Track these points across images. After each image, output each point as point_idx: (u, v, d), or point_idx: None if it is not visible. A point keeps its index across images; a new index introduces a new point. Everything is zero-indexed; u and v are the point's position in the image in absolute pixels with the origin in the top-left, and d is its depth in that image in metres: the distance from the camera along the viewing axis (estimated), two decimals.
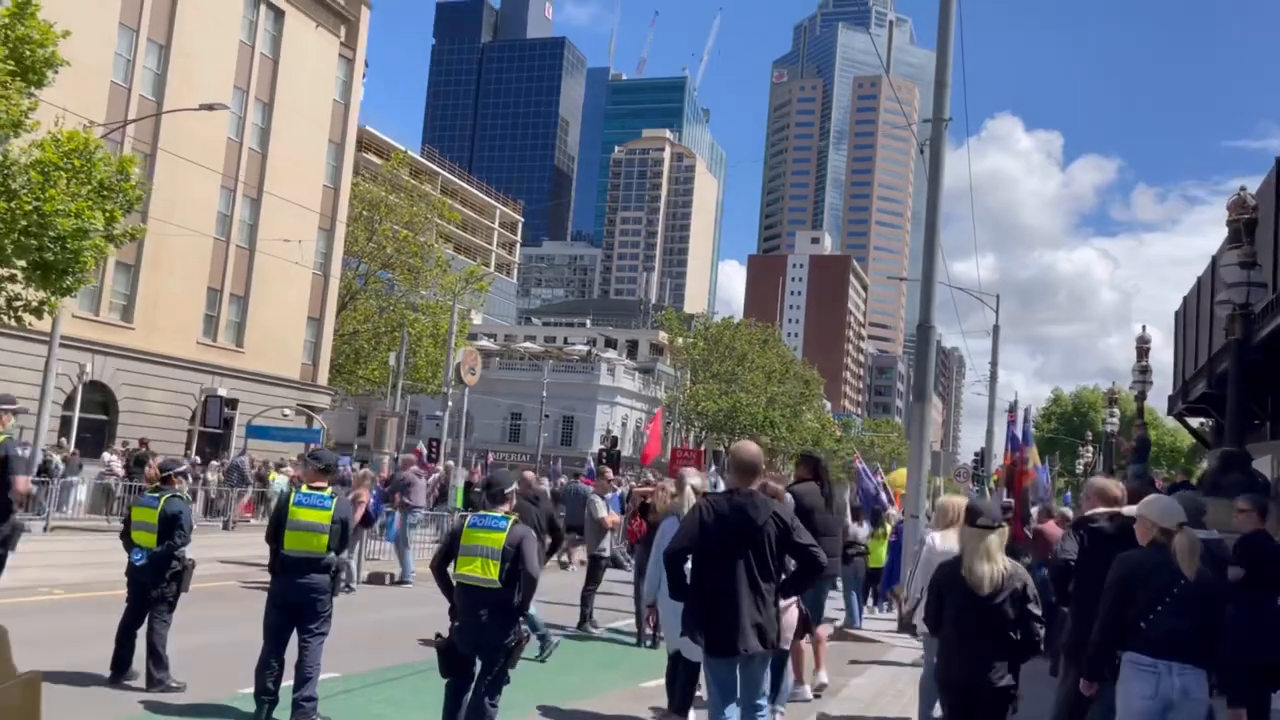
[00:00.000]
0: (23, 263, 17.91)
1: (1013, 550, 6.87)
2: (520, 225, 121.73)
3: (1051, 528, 11.34)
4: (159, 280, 31.69)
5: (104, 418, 30.56)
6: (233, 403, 32.62)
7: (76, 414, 27.98)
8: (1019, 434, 11.95)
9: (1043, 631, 4.95)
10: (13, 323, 19.85)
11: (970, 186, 56.42)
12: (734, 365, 67.62)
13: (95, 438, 29.29)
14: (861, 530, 13.54)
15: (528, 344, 73.59)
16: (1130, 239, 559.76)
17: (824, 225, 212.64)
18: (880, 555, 14.06)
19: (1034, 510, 11.76)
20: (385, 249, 42.93)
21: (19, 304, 19.28)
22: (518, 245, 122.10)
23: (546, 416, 59.09)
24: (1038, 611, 4.91)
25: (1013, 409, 13.11)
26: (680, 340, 70.23)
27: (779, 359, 73.44)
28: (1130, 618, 4.78)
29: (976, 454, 40.71)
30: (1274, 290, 16.16)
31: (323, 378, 39.39)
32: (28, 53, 18.17)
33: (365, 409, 54.33)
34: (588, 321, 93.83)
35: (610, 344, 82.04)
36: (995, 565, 4.91)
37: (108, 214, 18.77)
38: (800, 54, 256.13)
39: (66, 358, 27.75)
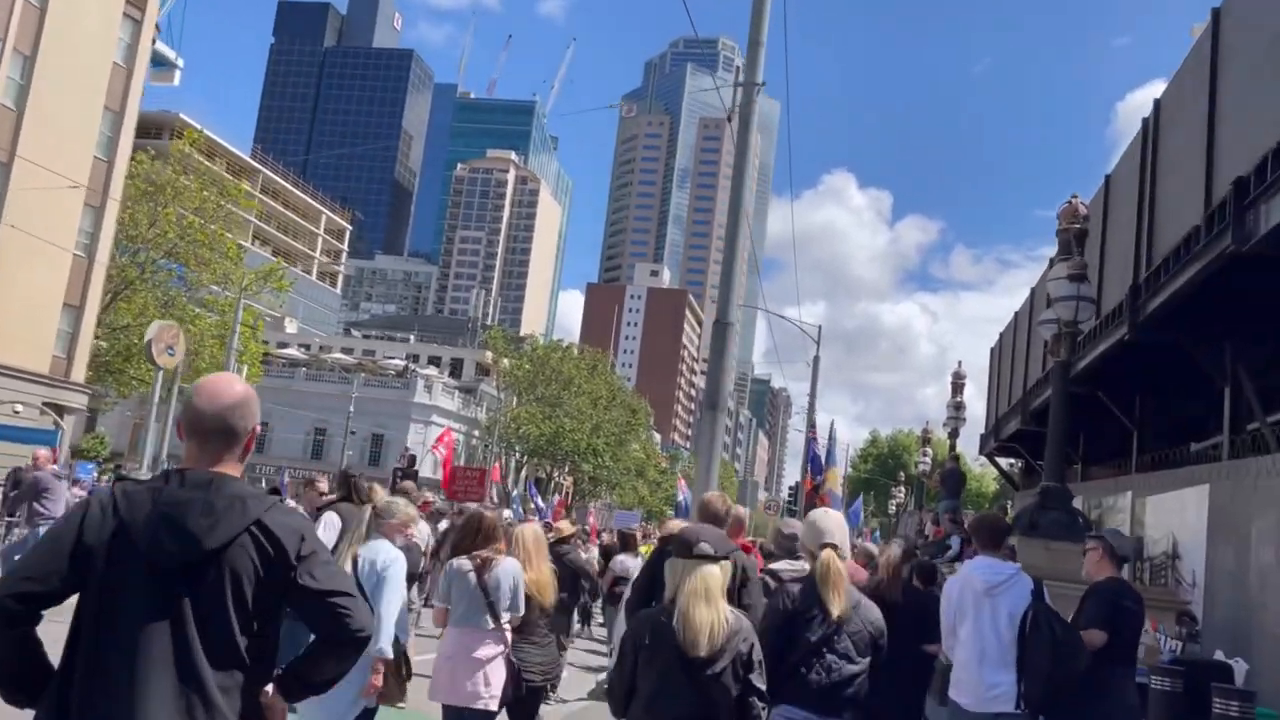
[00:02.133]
0: None
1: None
2: (348, 234, 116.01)
3: (852, 566, 9.40)
4: None
5: None
6: None
7: None
8: (821, 453, 10.04)
9: (763, 715, 3.60)
10: None
11: (793, 233, 56.37)
12: (559, 390, 65.28)
13: None
14: (634, 563, 11.30)
15: (339, 355, 68.99)
16: (949, 295, 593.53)
17: (664, 260, 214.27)
18: None
19: None
20: (168, 234, 38.38)
21: None
22: (344, 254, 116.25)
23: (353, 433, 55.04)
24: (762, 685, 3.57)
25: (813, 426, 11.06)
26: (506, 361, 67.41)
27: (607, 386, 71.60)
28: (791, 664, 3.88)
29: (791, 488, 39.64)
30: (1098, 316, 15.13)
31: (79, 374, 34.53)
32: None
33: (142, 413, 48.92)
34: (412, 337, 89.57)
35: (434, 361, 78.29)
36: (717, 614, 3.50)
37: None
38: (650, 90, 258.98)
39: None
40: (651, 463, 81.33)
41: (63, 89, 32.02)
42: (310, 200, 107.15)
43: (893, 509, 55.90)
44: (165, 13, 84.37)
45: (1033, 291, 21.00)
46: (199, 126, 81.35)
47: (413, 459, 36.41)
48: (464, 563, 5.64)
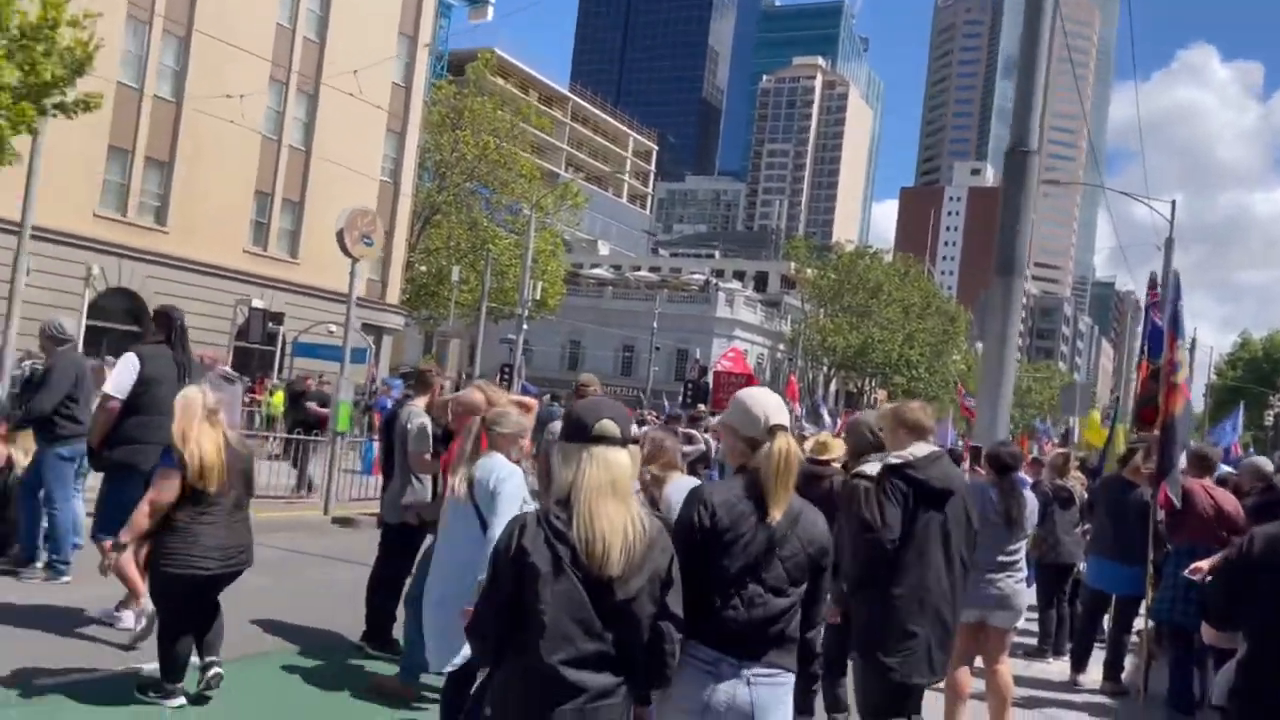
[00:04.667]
0: None
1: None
2: (654, 154, 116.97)
3: (1222, 496, 6.43)
4: (198, 180, 28.95)
5: (135, 329, 28.27)
6: (278, 317, 29.80)
7: (83, 321, 25.50)
8: (1163, 321, 6.95)
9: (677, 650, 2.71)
10: None
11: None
12: (867, 298, 61.66)
13: (123, 350, 26.94)
14: None
15: (643, 274, 69.40)
16: None
17: (988, 158, 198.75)
18: None
19: (1183, 459, 6.78)
20: (467, 157, 39.28)
21: None
22: (652, 175, 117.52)
23: (657, 349, 55.02)
24: (679, 611, 2.71)
25: (1154, 283, 7.75)
26: (810, 271, 64.66)
27: (920, 293, 66.84)
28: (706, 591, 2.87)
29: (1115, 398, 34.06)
30: None
31: (393, 296, 36.37)
32: None
33: (456, 333, 51.64)
34: (717, 253, 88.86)
35: (738, 276, 77.07)
36: (630, 517, 2.62)
37: (25, 67, 15.52)
38: None
39: (80, 259, 25.40)
40: (973, 375, 75.50)
41: (359, 17, 33.05)
42: (617, 124, 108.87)
43: (1269, 420, 48.03)
44: None
45: None
46: (511, 59, 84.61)
47: (703, 369, 35.28)
48: None
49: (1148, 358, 7.10)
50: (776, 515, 2.94)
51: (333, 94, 31.57)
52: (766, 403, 3.14)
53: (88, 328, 25.71)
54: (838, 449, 8.05)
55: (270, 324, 28.88)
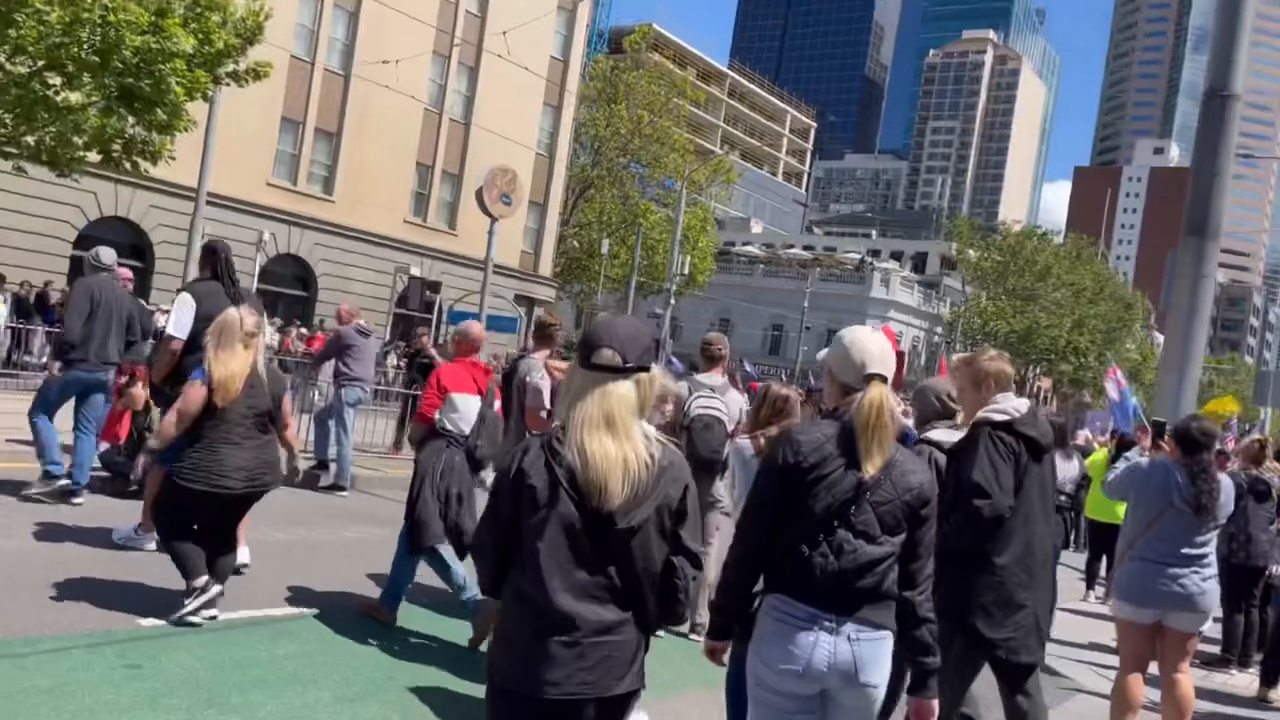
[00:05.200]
0: (96, 90, 15.69)
1: None
2: (812, 132, 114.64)
3: None
4: (363, 151, 29.95)
5: (303, 293, 29.56)
6: (435, 285, 30.58)
7: (255, 286, 26.73)
8: None
9: (694, 587, 2.55)
10: (128, 165, 18.04)
11: None
12: (1034, 281, 58.59)
13: (292, 313, 28.25)
14: (1070, 468, 7.98)
15: (796, 251, 68.05)
16: None
17: (1173, 136, 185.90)
18: (1108, 508, 8.49)
19: None
20: (620, 131, 39.28)
21: (121, 144, 17.30)
22: (809, 152, 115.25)
23: (807, 328, 53.91)
24: (695, 545, 2.56)
25: None
26: (972, 252, 61.95)
27: (1093, 276, 63.06)
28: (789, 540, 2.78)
29: None
30: None
31: (545, 268, 36.81)
32: None
33: (606, 306, 51.99)
34: (873, 233, 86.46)
35: (895, 256, 74.72)
36: (630, 448, 2.46)
37: (200, 35, 16.20)
38: None
39: (253, 226, 26.67)
40: (1150, 365, 70.90)
41: None
42: (775, 100, 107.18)
43: None
44: None
45: None
46: (669, 35, 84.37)
47: None
48: (744, 443, 4.88)
49: None
50: (870, 470, 2.77)
51: (492, 67, 32.04)
52: (868, 348, 2.93)
53: (258, 291, 27.05)
54: None
55: (428, 292, 29.68)
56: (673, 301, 34.75)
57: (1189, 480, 4.97)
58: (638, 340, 2.57)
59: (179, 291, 6.44)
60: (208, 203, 20.69)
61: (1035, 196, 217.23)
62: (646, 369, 2.56)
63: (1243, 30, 7.17)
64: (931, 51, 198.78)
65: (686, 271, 38.83)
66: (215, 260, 6.37)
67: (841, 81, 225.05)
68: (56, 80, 15.71)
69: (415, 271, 29.03)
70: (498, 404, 5.68)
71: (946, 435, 4.21)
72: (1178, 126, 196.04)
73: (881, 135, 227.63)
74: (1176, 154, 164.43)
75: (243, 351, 5.04)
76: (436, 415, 5.55)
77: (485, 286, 11.23)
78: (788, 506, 2.79)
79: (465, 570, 5.44)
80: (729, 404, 6.40)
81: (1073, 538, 12.24)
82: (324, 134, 29.38)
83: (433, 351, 13.43)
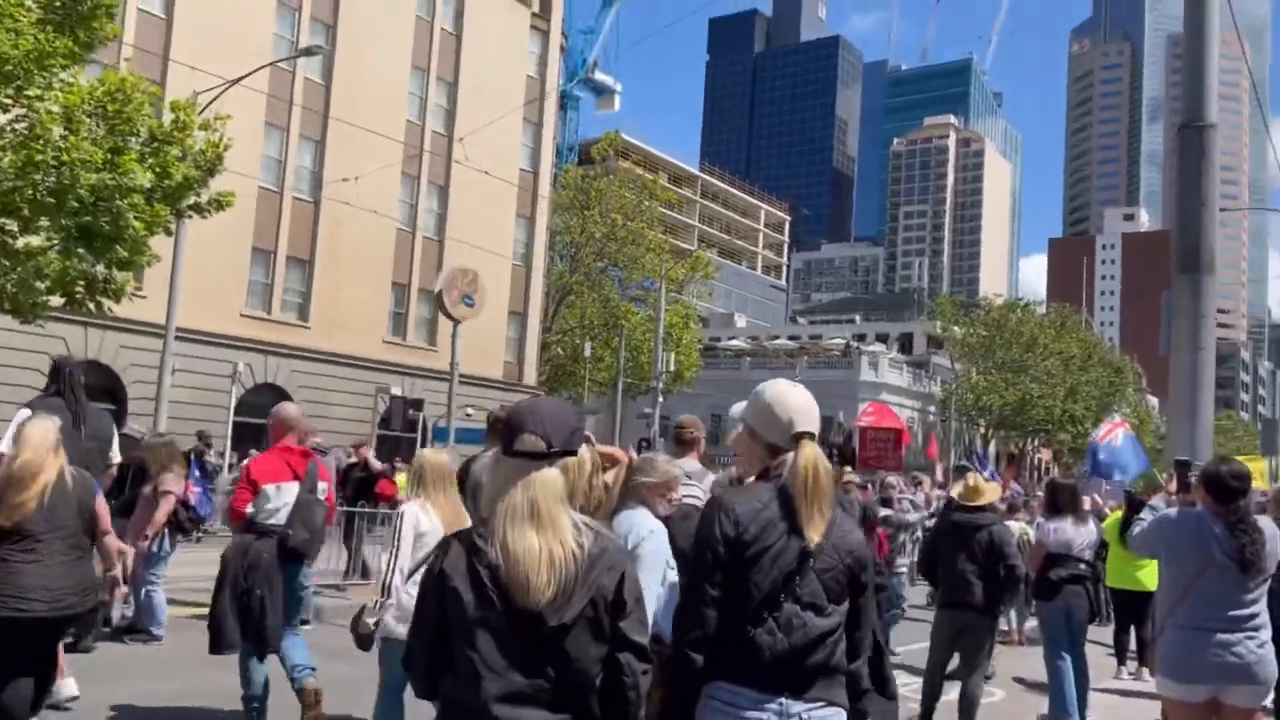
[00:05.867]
0: (55, 231, 15.41)
1: None
2: (787, 224, 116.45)
3: None
4: (337, 275, 29.83)
5: None
6: (418, 403, 30.10)
7: (230, 419, 26.20)
8: None
9: (645, 683, 2.39)
10: (91, 306, 17.68)
11: None
12: (1021, 353, 58.51)
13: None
14: (1087, 533, 7.36)
15: (782, 341, 68.05)
16: None
17: (1140, 203, 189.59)
18: (1130, 575, 7.84)
19: None
20: (595, 236, 39.50)
21: (84, 285, 16.94)
22: (785, 244, 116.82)
23: None
24: (640, 637, 2.38)
25: None
26: (957, 329, 62.07)
27: (1080, 344, 63.09)
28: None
29: None
30: None
31: (530, 377, 36.44)
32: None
33: (594, 410, 51.54)
34: (857, 318, 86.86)
35: (881, 339, 74.78)
36: (557, 540, 2.33)
37: (158, 170, 16.05)
38: (1103, 17, 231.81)
39: (227, 358, 26.28)
40: (1147, 428, 70.38)
41: (484, 108, 33.86)
42: (748, 197, 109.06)
43: None
44: (599, 45, 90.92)
45: None
46: (638, 143, 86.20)
47: (850, 435, 33.65)
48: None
49: None
50: (814, 536, 2.57)
51: (463, 182, 32.29)
52: (793, 404, 2.76)
53: (235, 424, 26.49)
54: (991, 493, 6.88)
55: (411, 410, 29.17)
56: (660, 399, 34.32)
57: (1227, 531, 4.38)
58: (563, 422, 2.44)
59: (19, 408, 6.07)
60: (178, 338, 20.35)
61: (1013, 271, 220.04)
62: (573, 452, 2.43)
63: (1210, 60, 6.93)
64: (896, 140, 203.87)
65: (672, 368, 38.52)
66: (59, 377, 6.34)
67: (811, 175, 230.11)
68: (14, 225, 15.50)
69: (396, 391, 28.58)
70: (325, 487, 5.47)
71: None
72: (1144, 193, 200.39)
73: (855, 223, 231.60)
74: (1146, 219, 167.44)
75: (50, 461, 4.59)
76: (248, 510, 5.30)
77: (452, 394, 10.76)
78: (728, 584, 2.58)
79: (270, 670, 5.17)
80: (708, 490, 5.85)
81: (1097, 610, 11.52)
82: (296, 261, 29.30)
83: (376, 464, 12.75)
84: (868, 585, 2.72)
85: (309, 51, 20.97)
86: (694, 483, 5.90)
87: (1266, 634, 4.35)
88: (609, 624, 2.34)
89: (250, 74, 21.25)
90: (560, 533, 2.34)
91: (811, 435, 2.70)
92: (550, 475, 2.38)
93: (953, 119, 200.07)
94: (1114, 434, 11.00)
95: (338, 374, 29.71)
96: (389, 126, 30.58)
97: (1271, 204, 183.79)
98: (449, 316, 10.46)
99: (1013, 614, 11.68)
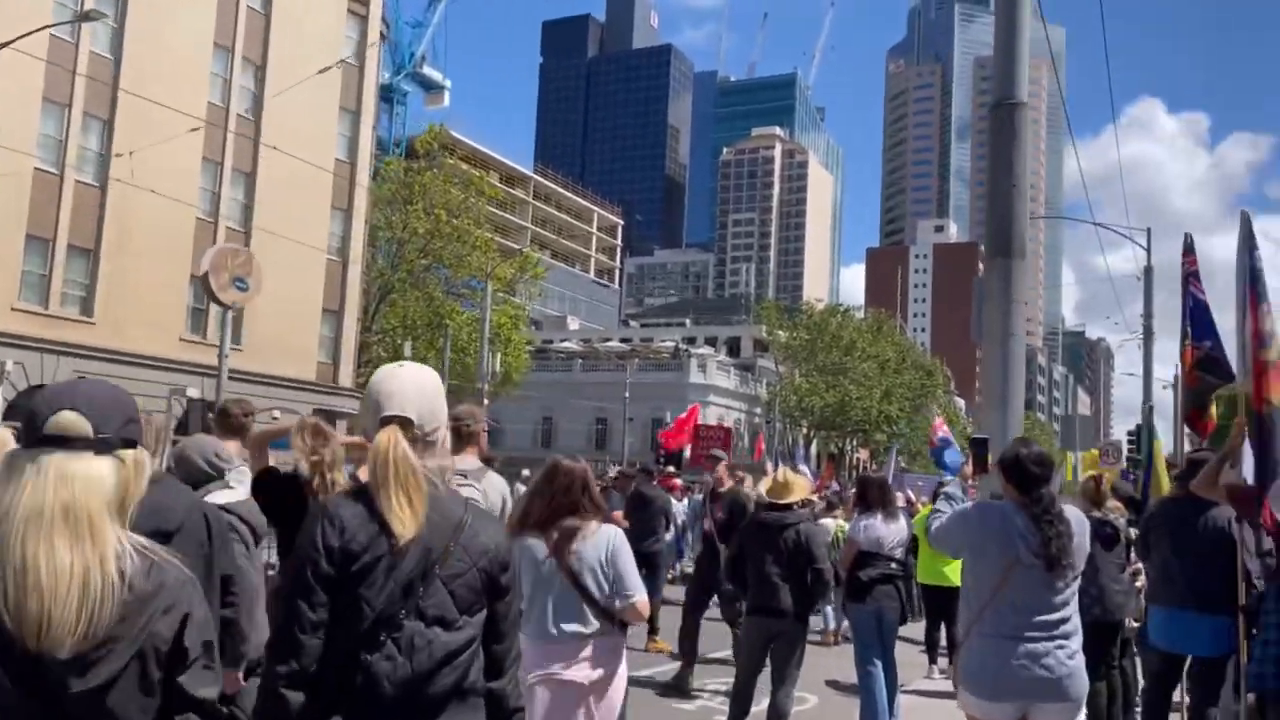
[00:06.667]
0: None
1: None
2: (620, 229, 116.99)
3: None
4: (126, 267, 27.31)
5: None
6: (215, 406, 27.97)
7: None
8: (1204, 294, 5.41)
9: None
10: None
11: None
12: (840, 356, 60.54)
13: None
14: (898, 529, 7.02)
15: (613, 344, 68.07)
16: None
17: (950, 215, 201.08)
18: (937, 571, 7.64)
19: None
20: (419, 232, 38.03)
21: None
22: (618, 248, 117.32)
23: (630, 420, 53.33)
24: (208, 692, 1.87)
25: (1189, 248, 5.79)
26: (782, 333, 63.67)
27: (894, 348, 65.87)
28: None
29: (1132, 432, 32.68)
30: None
31: (346, 378, 34.60)
32: None
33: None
34: (687, 321, 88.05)
35: (710, 342, 75.98)
36: (95, 560, 1.73)
37: None
38: (916, 41, 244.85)
39: None
40: (958, 428, 74.26)
41: (296, 93, 31.87)
42: (581, 200, 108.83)
43: None
44: (428, 38, 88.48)
45: None
46: (467, 140, 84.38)
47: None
48: (534, 542, 4.15)
49: (1192, 341, 5.49)
50: (403, 533, 2.21)
51: (271, 170, 30.26)
52: (384, 387, 2.42)
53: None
54: (800, 489, 6.45)
55: (210, 414, 27.01)
56: (486, 402, 33.26)
57: (1032, 524, 3.91)
58: (117, 406, 1.85)
59: None
60: None
61: (834, 278, 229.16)
62: (133, 444, 1.83)
63: (1021, 42, 6.72)
64: (725, 149, 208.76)
65: (499, 369, 37.51)
66: None
67: (644, 181, 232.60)
68: None
69: (194, 393, 26.35)
70: None
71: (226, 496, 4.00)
72: (953, 206, 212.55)
73: (687, 229, 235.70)
74: (955, 231, 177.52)
75: None
76: None
77: (220, 390, 9.62)
78: (335, 603, 2.21)
79: None
80: (489, 490, 5.12)
81: (909, 609, 11.46)
82: (79, 250, 26.68)
83: None
84: (509, 591, 2.40)
85: (88, 16, 18.87)
86: (471, 482, 5.16)
87: (1077, 641, 3.93)
88: (160, 679, 1.75)
89: (20, 38, 19.06)
90: (102, 550, 1.71)
91: (399, 419, 2.31)
92: (99, 468, 1.76)
93: (779, 131, 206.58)
94: (944, 430, 10.90)
95: (127, 374, 27.07)
96: (188, 108, 28.29)
97: (1064, 209, 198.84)
98: (217, 301, 9.37)
99: (829, 612, 11.47)
